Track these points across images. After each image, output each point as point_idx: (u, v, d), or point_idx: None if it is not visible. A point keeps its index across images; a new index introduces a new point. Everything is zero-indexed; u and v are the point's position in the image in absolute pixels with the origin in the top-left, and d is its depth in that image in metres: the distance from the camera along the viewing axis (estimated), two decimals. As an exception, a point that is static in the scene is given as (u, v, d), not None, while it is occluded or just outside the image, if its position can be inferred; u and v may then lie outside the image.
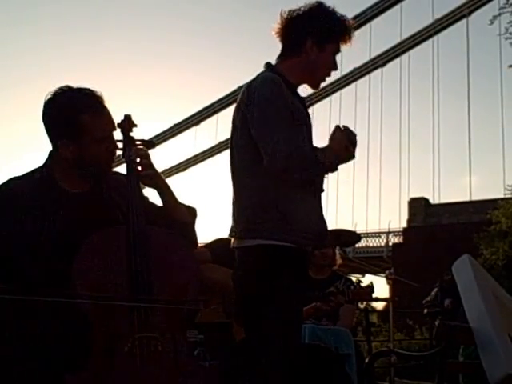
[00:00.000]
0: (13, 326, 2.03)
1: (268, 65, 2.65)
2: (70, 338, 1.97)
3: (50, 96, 2.12)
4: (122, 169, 2.29)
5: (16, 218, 2.07)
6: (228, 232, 2.63)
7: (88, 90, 2.14)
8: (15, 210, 2.08)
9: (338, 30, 2.61)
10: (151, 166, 2.25)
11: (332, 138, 2.49)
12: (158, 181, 2.26)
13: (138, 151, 2.24)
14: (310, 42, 2.57)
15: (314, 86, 2.70)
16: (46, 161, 2.20)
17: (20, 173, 2.22)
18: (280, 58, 2.66)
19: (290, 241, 2.45)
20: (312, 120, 2.67)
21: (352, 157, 2.49)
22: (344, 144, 2.47)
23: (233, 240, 2.58)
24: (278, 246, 2.43)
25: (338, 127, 2.51)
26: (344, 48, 2.64)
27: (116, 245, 2.07)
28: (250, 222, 2.48)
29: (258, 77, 2.57)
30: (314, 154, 2.45)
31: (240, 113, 2.51)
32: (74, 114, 2.08)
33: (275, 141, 2.37)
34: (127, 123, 2.27)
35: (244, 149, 2.50)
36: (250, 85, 2.54)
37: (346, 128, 2.51)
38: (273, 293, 2.39)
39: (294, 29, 2.59)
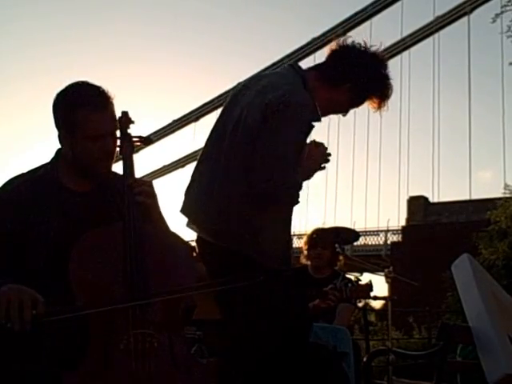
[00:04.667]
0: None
1: (300, 72, 2.56)
2: (66, 335, 1.96)
3: (60, 89, 2.12)
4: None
5: (18, 218, 2.06)
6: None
7: (94, 86, 2.11)
8: (18, 208, 2.07)
9: (377, 94, 2.57)
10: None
11: (308, 157, 2.52)
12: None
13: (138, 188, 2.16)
14: (348, 86, 2.53)
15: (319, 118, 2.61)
16: (53, 158, 2.20)
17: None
18: (316, 72, 2.59)
19: (257, 259, 2.41)
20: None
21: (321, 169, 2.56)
22: (318, 162, 2.54)
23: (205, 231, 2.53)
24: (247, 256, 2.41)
25: (312, 143, 2.55)
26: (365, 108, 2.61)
27: (111, 243, 2.05)
28: (220, 224, 2.45)
29: (294, 88, 2.45)
30: (299, 188, 2.44)
31: (259, 112, 2.43)
32: (70, 108, 2.06)
33: (277, 169, 2.34)
34: (124, 119, 2.25)
35: (244, 152, 2.42)
36: (282, 89, 2.42)
37: (320, 144, 2.57)
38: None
39: (344, 63, 2.53)
